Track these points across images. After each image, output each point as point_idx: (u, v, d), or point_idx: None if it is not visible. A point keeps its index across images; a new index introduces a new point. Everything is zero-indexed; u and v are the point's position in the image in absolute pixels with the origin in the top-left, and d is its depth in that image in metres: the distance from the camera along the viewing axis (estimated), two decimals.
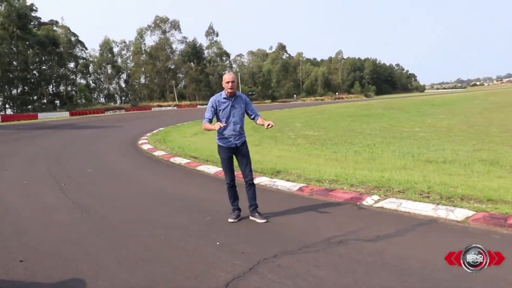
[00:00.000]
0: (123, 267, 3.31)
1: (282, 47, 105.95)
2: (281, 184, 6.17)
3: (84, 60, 73.09)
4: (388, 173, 6.31)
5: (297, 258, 3.32)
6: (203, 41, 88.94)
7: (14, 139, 18.45)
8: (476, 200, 4.60)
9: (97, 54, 76.64)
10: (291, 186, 5.96)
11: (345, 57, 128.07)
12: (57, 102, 64.85)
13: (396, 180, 5.68)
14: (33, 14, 60.25)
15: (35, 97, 62.28)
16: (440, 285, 2.77)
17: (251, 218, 4.52)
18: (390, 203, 4.74)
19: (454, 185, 5.24)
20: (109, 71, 77.63)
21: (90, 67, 75.05)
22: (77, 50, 70.95)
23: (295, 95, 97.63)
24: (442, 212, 4.26)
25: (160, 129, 20.40)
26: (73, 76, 71.15)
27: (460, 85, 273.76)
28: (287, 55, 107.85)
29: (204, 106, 34.69)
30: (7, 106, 57.11)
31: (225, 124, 4.19)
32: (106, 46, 76.22)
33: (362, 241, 3.64)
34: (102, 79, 78.27)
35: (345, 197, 5.17)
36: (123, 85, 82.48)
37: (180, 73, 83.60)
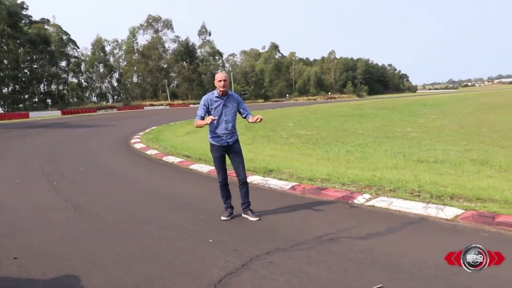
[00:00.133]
0: (117, 264, 3.33)
1: (274, 47, 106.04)
2: (274, 182, 6.22)
3: (76, 59, 72.59)
4: (379, 172, 6.39)
5: (289, 255, 3.37)
6: (195, 41, 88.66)
7: (5, 138, 18.30)
8: (465, 199, 4.68)
9: (89, 53, 76.20)
10: (284, 185, 6.01)
11: (337, 57, 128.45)
12: (49, 101, 64.37)
13: (387, 179, 5.74)
14: (24, 12, 59.64)
15: (26, 96, 61.75)
16: (430, 282, 2.82)
17: (243, 215, 4.57)
18: (381, 202, 4.80)
19: (444, 184, 5.32)
20: (101, 70, 77.18)
21: (82, 66, 74.61)
22: (68, 48, 70.53)
23: (287, 95, 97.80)
24: (432, 210, 4.33)
25: (153, 128, 20.33)
26: (65, 75, 70.71)
27: (451, 85, 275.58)
28: (280, 55, 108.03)
29: (197, 105, 34.59)
30: None
31: (216, 118, 4.25)
32: (98, 44, 75.72)
33: (353, 239, 3.69)
34: (94, 78, 77.78)
35: (337, 196, 5.23)
36: (115, 84, 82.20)
37: (172, 72, 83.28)
